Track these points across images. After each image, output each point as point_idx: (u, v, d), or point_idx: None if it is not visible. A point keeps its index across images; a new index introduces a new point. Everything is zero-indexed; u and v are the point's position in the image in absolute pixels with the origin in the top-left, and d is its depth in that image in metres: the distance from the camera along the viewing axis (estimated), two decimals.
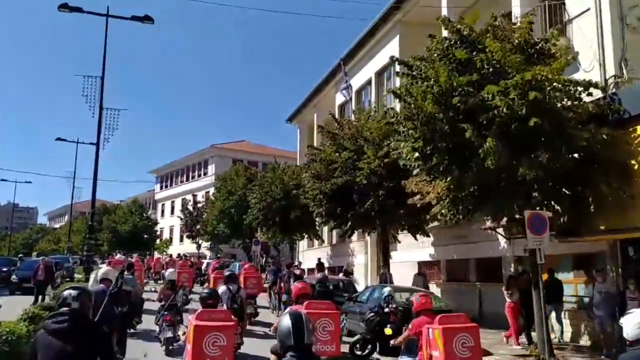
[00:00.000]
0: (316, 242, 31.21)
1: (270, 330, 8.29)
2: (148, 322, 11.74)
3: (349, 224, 16.86)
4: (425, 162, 10.04)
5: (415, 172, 11.44)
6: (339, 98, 27.01)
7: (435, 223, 14.84)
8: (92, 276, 12.81)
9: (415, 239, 16.67)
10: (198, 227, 44.99)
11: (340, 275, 22.97)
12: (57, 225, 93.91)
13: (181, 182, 62.85)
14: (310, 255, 31.05)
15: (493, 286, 15.07)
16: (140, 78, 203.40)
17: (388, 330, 9.48)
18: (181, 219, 49.18)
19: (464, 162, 9.46)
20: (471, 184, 9.74)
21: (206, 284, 16.27)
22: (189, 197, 54.42)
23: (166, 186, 66.58)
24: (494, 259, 15.32)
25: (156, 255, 51.66)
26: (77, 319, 3.61)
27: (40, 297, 17.06)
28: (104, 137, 20.18)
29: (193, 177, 60.49)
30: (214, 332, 5.57)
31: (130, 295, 10.64)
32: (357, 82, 25.52)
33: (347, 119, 17.34)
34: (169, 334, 10.05)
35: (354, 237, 25.37)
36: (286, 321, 3.08)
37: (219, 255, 41.34)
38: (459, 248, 17.05)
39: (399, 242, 17.36)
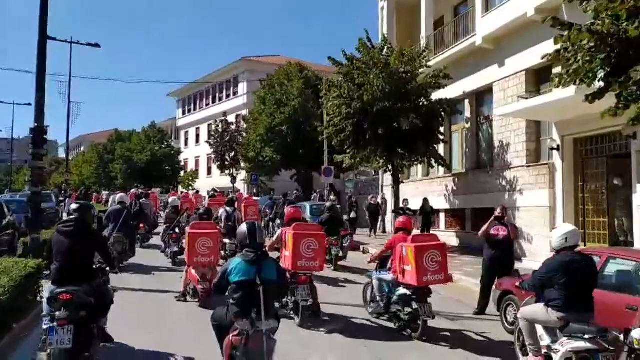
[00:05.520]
0: (419, 172, 20.93)
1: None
2: (156, 240, 15.73)
3: None
4: None
5: None
6: None
7: None
8: (110, 199, 18.28)
9: None
10: (232, 154, 35.04)
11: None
12: (71, 158, 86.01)
13: (207, 105, 52.57)
14: (406, 191, 20.84)
15: None
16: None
17: None
18: (210, 144, 39.10)
19: None
20: None
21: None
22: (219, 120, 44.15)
23: (189, 111, 56.44)
24: None
25: (180, 190, 42.29)
26: (78, 224, 5.44)
27: None
28: None
29: (221, 99, 50.10)
30: (203, 237, 7.99)
31: (147, 216, 16.58)
32: None
33: None
34: (175, 248, 12.26)
35: (523, 160, 14.99)
36: (243, 227, 4.81)
37: (257, 192, 31.28)
38: None
39: None
